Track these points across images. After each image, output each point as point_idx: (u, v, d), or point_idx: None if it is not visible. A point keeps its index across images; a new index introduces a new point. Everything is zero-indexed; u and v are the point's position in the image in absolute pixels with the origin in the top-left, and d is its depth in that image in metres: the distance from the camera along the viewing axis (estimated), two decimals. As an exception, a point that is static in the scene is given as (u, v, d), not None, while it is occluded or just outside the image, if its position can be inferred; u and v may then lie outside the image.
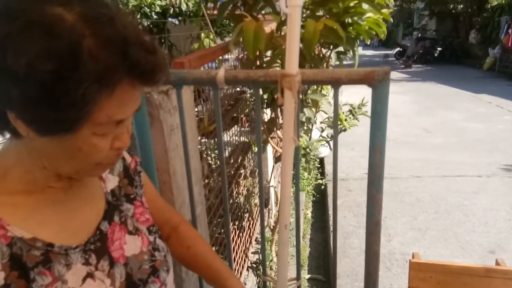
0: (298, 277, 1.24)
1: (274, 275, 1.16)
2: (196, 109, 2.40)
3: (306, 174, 4.89)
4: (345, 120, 2.68)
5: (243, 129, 3.17)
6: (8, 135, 0.62)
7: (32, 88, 0.50)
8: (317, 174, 5.24)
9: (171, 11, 7.96)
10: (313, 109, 2.07)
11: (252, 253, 3.15)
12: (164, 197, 1.24)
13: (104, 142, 0.60)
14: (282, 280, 1.14)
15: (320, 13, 1.89)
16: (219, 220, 2.35)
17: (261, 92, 2.49)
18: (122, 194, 0.80)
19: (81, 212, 0.71)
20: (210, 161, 2.61)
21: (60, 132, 0.55)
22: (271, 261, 3.12)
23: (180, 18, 7.99)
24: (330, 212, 4.32)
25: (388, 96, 0.97)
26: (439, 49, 17.22)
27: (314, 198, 4.90)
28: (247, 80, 1.02)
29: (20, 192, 0.63)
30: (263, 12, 2.14)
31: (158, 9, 7.73)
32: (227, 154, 2.80)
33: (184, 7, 7.84)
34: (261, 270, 3.04)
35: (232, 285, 0.91)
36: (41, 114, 0.52)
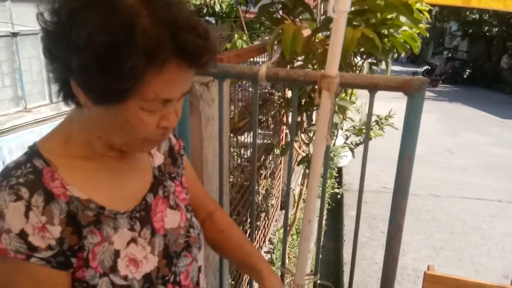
0: (315, 273, 1.28)
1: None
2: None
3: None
4: (371, 129, 2.70)
5: (266, 131, 3.22)
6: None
7: (88, 58, 0.55)
8: (334, 183, 5.25)
9: (205, 11, 8.11)
10: (340, 116, 2.11)
11: (264, 252, 3.19)
12: (195, 183, 1.30)
13: (150, 119, 0.63)
14: (300, 274, 1.18)
15: (357, 23, 1.93)
16: (235, 217, 2.41)
17: (289, 94, 2.54)
18: (166, 171, 0.86)
19: (131, 182, 0.76)
20: (233, 159, 2.68)
21: (110, 101, 0.60)
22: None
23: (212, 18, 8.12)
24: (345, 221, 4.33)
25: (422, 105, 1.01)
26: (469, 71, 16.92)
27: (329, 207, 4.91)
28: (288, 78, 1.07)
29: (80, 157, 0.69)
30: (300, 17, 2.20)
31: (192, 7, 7.90)
32: (249, 153, 2.86)
33: (217, 7, 7.98)
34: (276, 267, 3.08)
35: (260, 267, 0.94)
36: (94, 82, 0.58)
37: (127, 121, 0.63)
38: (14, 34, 5.46)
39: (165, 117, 0.66)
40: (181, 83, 0.64)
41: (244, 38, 3.70)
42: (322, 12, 3.36)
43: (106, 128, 0.67)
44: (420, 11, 2.00)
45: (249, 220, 2.77)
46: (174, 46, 0.58)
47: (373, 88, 1.00)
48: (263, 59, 2.82)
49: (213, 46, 0.63)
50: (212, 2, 7.90)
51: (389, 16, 1.80)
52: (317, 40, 1.93)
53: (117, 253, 0.69)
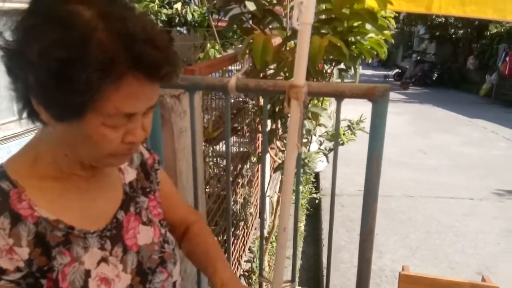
0: (293, 279, 1.29)
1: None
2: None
3: (300, 187, 4.94)
4: (343, 134, 2.76)
5: (242, 140, 3.24)
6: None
7: (43, 73, 0.55)
8: (311, 188, 5.30)
9: (177, 20, 8.09)
10: (313, 122, 2.14)
11: (244, 261, 3.18)
12: (169, 196, 1.30)
13: (114, 134, 0.63)
14: (277, 281, 1.19)
15: (325, 31, 1.98)
16: (213, 227, 2.40)
17: (262, 102, 2.57)
18: (138, 187, 0.85)
19: (101, 200, 0.76)
20: (210, 169, 2.67)
21: (69, 117, 0.60)
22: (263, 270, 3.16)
23: (185, 27, 8.11)
24: (323, 226, 4.37)
25: (386, 111, 1.05)
26: (437, 72, 17.46)
27: (307, 212, 4.95)
28: (257, 89, 1.09)
29: (48, 178, 0.68)
30: (270, 26, 2.23)
31: (164, 17, 7.85)
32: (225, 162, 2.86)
33: (189, 17, 7.98)
34: (253, 278, 3.08)
35: (212, 272, 0.88)
36: (51, 98, 0.58)
37: (89, 137, 0.62)
38: (-20, 49, 5.30)
39: (131, 132, 0.65)
40: (144, 97, 0.63)
41: (217, 47, 3.71)
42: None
43: (71, 145, 0.67)
44: (386, 17, 2.07)
45: (232, 231, 2.76)
46: (130, 59, 0.57)
47: (339, 96, 1.03)
48: (237, 67, 2.84)
49: (174, 58, 0.63)
50: (184, 11, 7.89)
51: (355, 24, 1.86)
52: (288, 48, 1.96)
53: (87, 273, 0.68)
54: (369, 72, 22.40)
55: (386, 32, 1.92)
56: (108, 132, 0.62)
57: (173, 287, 0.85)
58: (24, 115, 0.66)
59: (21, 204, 0.63)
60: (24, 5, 0.59)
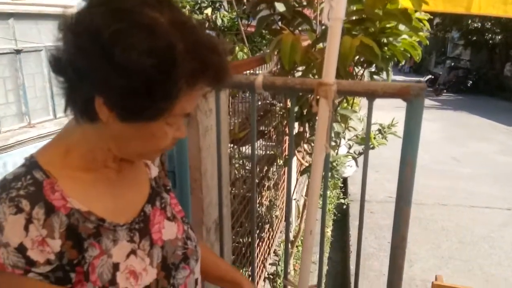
0: (319, 285, 1.25)
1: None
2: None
3: (328, 191, 4.87)
4: (374, 138, 2.69)
5: (268, 142, 3.22)
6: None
7: (136, 80, 0.56)
8: (339, 194, 5.21)
9: (207, 25, 8.19)
10: (343, 125, 2.09)
11: (269, 264, 3.15)
12: (194, 195, 1.29)
13: (171, 131, 0.66)
14: (303, 286, 1.15)
15: (356, 32, 1.93)
16: (238, 229, 2.38)
17: (290, 104, 2.54)
18: (161, 184, 0.85)
19: (129, 193, 0.76)
20: (236, 170, 2.66)
21: (144, 119, 0.62)
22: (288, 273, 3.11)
23: (214, 32, 8.21)
24: (351, 232, 4.28)
25: (422, 111, 1.00)
26: (472, 79, 16.89)
27: (335, 217, 4.86)
28: (284, 87, 1.06)
29: (80, 169, 0.68)
30: (299, 28, 2.20)
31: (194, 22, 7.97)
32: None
33: (219, 22, 8.07)
34: (278, 282, 3.04)
35: (239, 280, 1.01)
36: (136, 102, 0.59)
37: (152, 135, 0.65)
38: (18, 51, 5.53)
39: (179, 129, 0.69)
40: (199, 98, 0.69)
41: (245, 50, 3.71)
42: (321, 23, 3.35)
43: (123, 141, 0.67)
44: (420, 20, 1.99)
45: (257, 233, 2.74)
46: (203, 66, 0.61)
47: (371, 95, 0.99)
48: (264, 70, 2.82)
49: (229, 63, 0.67)
50: (214, 17, 7.99)
51: (388, 25, 1.80)
52: (317, 50, 1.92)
53: (116, 266, 0.67)
54: (400, 78, 21.88)
55: (421, 33, 1.85)
56: (168, 130, 0.66)
57: (195, 284, 0.85)
58: (68, 110, 0.66)
59: (54, 195, 0.63)
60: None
